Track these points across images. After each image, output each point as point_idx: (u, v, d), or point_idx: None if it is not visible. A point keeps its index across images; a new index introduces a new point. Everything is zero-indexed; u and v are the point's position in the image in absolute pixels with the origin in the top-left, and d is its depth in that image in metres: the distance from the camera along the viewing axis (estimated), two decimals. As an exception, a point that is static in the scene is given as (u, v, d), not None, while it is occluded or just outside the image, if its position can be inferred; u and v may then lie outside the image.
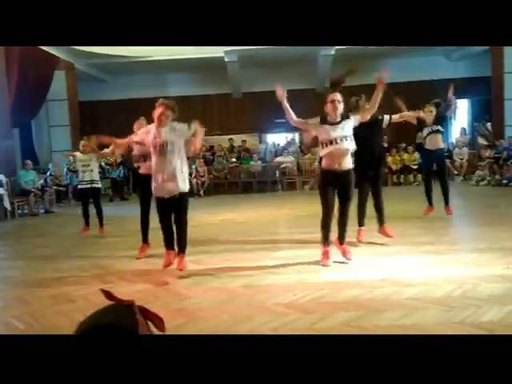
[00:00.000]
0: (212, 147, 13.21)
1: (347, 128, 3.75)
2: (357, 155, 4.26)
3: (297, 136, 14.59)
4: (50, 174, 9.66)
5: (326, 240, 3.92)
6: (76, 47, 10.90)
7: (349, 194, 3.83)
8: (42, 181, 9.56)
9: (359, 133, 3.95)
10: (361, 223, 4.59)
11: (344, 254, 3.93)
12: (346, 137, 3.69)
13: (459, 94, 14.07)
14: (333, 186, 3.80)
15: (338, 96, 3.72)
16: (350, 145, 3.74)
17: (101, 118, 14.21)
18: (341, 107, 3.74)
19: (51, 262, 4.39)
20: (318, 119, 3.83)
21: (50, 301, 3.22)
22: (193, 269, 3.88)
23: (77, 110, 12.18)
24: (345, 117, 3.78)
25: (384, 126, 4.49)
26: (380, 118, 4.46)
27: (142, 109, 15.95)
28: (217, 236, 5.14)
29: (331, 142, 3.67)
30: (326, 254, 3.88)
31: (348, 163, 3.78)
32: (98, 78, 13.70)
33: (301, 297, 3.05)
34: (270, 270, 3.74)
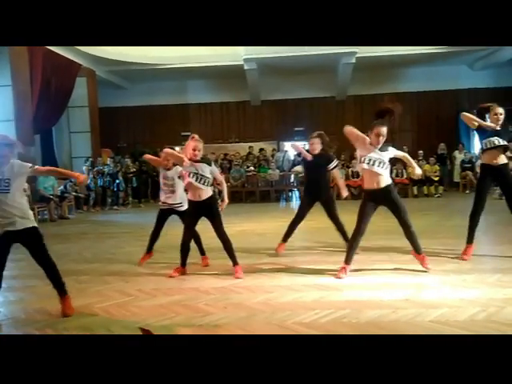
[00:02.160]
0: (226, 155, 13.21)
1: (385, 155, 3.91)
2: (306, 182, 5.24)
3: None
4: (70, 181, 9.80)
5: (348, 260, 3.98)
6: (97, 54, 11.11)
7: (398, 207, 3.93)
8: (61, 187, 9.71)
9: (310, 165, 4.84)
10: (285, 239, 4.94)
11: (422, 263, 4.05)
12: (382, 162, 3.85)
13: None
14: (373, 205, 3.94)
15: (384, 131, 3.82)
16: (384, 171, 3.88)
17: (120, 125, 14.43)
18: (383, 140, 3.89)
19: (72, 273, 4.43)
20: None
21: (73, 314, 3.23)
22: (212, 284, 3.88)
23: (97, 117, 12.39)
24: (384, 149, 3.94)
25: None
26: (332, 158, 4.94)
27: (161, 115, 16.32)
28: (235, 248, 5.13)
29: (369, 162, 3.84)
30: (343, 270, 3.95)
31: (384, 181, 3.89)
32: (118, 85, 13.93)
33: (322, 316, 3.01)
34: (290, 286, 3.71)
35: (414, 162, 4.20)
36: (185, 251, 4.14)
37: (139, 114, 14.41)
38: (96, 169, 10.74)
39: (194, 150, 3.96)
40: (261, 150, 13.48)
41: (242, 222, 7.81)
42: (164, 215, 4.64)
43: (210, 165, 4.08)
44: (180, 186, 4.50)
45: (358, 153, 3.95)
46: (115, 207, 10.70)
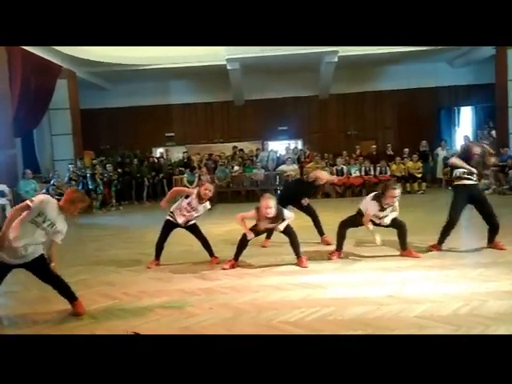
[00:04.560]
0: (211, 155, 13.17)
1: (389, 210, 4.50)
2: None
3: (299, 144, 14.60)
4: (53, 184, 9.66)
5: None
6: (78, 55, 10.97)
7: (396, 223, 4.53)
8: (44, 190, 9.55)
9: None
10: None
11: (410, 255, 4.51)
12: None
13: (462, 101, 14.15)
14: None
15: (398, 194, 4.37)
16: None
17: (102, 126, 14.27)
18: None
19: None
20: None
21: (57, 318, 3.19)
22: (198, 285, 3.86)
23: (79, 119, 12.23)
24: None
25: None
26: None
27: (144, 117, 16.15)
28: (223, 248, 5.13)
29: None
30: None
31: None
32: (100, 86, 13.77)
33: (308, 314, 3.03)
34: (276, 285, 3.72)
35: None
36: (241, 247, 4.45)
37: (122, 116, 14.27)
38: (73, 171, 10.56)
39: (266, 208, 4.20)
40: (240, 150, 13.42)
41: (229, 221, 7.78)
42: (172, 227, 4.66)
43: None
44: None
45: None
46: (94, 210, 10.55)
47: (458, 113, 14.25)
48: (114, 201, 11.07)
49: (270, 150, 13.49)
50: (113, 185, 11.10)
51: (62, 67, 11.20)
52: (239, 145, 13.84)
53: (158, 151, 14.87)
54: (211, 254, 4.68)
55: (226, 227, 6.84)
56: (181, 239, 5.11)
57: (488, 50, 11.90)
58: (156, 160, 13.12)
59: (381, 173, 11.35)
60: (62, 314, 3.25)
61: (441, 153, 12.18)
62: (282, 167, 11.90)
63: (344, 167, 11.60)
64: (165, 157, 13.68)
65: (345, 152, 12.33)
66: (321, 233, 5.41)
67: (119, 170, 11.89)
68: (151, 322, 3.03)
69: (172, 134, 14.76)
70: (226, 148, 13.81)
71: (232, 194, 12.01)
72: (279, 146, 13.94)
